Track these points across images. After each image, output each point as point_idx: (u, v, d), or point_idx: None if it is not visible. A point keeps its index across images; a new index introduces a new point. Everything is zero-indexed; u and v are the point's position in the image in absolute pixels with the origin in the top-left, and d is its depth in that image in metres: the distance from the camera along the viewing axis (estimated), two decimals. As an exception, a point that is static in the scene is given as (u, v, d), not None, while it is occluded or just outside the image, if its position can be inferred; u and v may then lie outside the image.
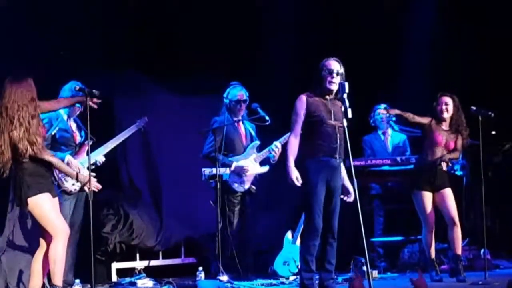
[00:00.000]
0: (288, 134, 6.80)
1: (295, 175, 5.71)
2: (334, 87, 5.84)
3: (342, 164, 5.90)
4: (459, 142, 6.93)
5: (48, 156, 5.42)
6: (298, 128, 5.84)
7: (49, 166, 5.48)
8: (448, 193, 6.90)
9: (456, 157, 7.02)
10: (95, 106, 5.64)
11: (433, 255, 6.92)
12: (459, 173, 7.87)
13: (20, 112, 5.26)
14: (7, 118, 5.27)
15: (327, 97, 5.88)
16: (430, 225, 6.86)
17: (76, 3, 7.34)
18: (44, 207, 5.39)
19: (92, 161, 6.04)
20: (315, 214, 5.70)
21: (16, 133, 5.25)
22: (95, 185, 5.67)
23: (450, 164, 7.00)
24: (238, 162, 7.05)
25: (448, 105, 6.91)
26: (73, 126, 6.56)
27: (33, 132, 5.27)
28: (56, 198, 5.56)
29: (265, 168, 7.16)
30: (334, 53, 5.98)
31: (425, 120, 6.94)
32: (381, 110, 7.81)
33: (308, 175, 5.72)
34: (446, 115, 6.92)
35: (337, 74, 5.83)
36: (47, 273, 5.58)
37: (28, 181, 5.33)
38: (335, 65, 5.86)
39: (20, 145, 5.24)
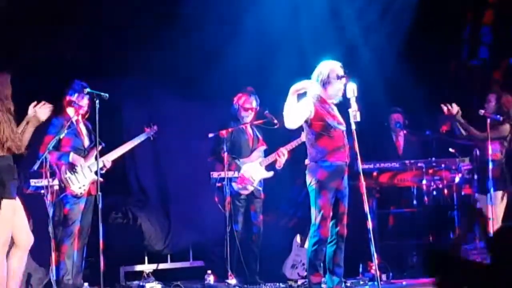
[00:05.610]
0: (295, 140, 6.76)
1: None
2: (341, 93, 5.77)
3: None
4: None
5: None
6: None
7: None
8: None
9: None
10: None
11: None
12: None
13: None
14: None
15: (329, 101, 5.78)
16: None
17: (87, 8, 7.35)
18: (12, 215, 5.25)
19: (99, 164, 6.04)
20: (325, 219, 5.66)
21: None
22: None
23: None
24: (243, 165, 7.03)
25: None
26: (83, 130, 6.54)
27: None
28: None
29: (270, 173, 7.12)
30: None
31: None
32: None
33: (320, 181, 5.65)
34: None
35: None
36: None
37: (4, 178, 5.17)
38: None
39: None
